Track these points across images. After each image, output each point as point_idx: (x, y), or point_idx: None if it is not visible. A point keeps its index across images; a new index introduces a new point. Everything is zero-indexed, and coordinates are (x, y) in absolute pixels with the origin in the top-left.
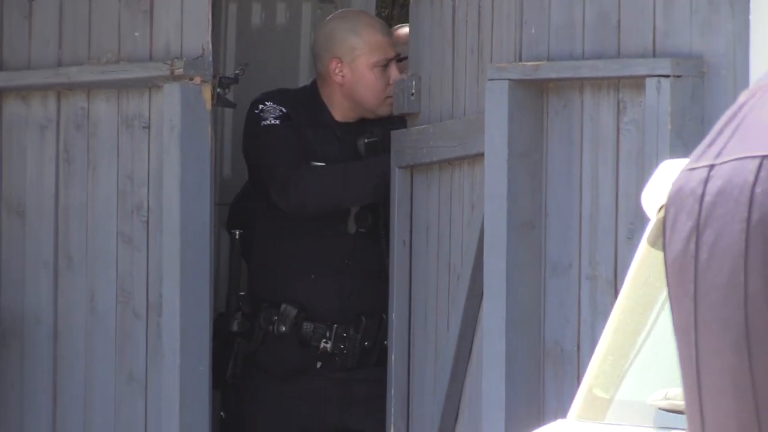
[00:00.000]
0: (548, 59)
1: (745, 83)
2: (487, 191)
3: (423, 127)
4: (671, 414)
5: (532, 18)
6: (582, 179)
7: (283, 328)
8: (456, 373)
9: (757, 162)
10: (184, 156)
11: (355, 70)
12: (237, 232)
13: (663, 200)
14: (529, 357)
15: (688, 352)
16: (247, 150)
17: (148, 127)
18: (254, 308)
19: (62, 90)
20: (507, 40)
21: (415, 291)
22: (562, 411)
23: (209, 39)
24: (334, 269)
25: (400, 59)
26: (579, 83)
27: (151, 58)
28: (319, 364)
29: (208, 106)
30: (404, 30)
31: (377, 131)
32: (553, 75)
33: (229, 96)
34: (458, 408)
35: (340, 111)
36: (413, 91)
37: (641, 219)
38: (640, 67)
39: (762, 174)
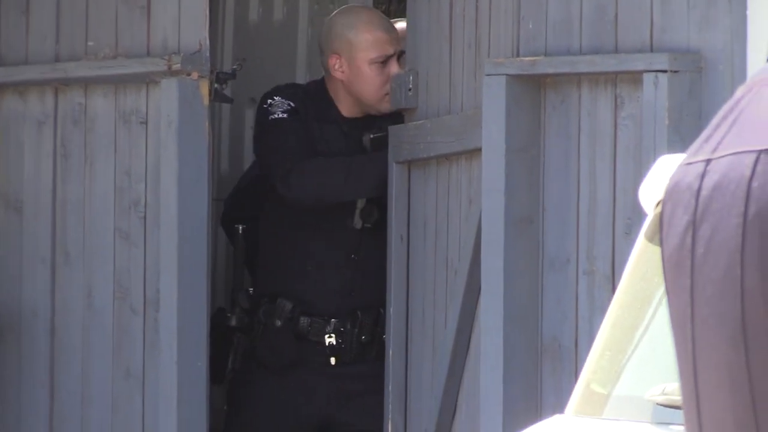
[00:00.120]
0: (545, 54)
1: (743, 78)
2: (484, 186)
3: (420, 122)
4: (669, 409)
5: (529, 13)
6: (579, 174)
7: (278, 323)
8: (453, 368)
9: (753, 156)
10: (181, 151)
11: (353, 66)
12: (240, 227)
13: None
14: (527, 352)
15: (685, 347)
16: (256, 144)
17: (146, 123)
18: (254, 303)
19: (59, 85)
20: (504, 35)
21: (413, 286)
22: (559, 406)
23: (206, 34)
24: (338, 264)
25: (401, 55)
26: (576, 78)
27: (148, 54)
28: (321, 360)
29: (206, 101)
30: (401, 25)
31: (384, 126)
32: (550, 70)
33: (227, 91)
34: (456, 403)
35: (346, 106)
36: (410, 86)
37: (639, 214)
38: (637, 63)
39: (758, 168)
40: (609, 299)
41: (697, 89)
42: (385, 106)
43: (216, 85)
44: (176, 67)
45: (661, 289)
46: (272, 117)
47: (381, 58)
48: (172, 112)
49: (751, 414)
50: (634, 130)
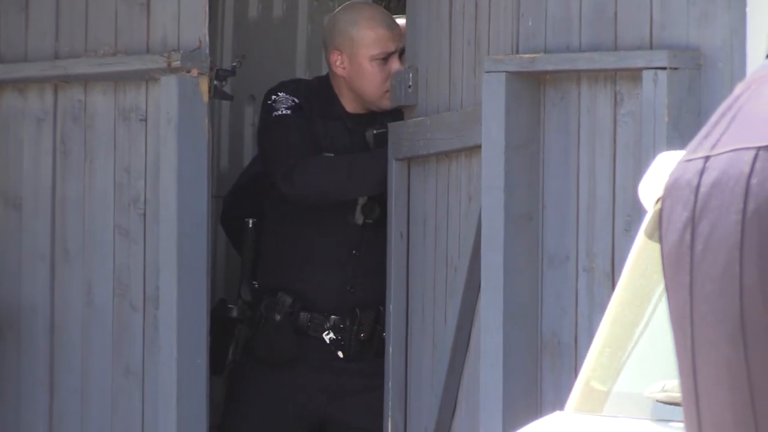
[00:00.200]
0: (545, 51)
1: (742, 75)
2: (484, 183)
3: (420, 119)
4: (669, 406)
5: (529, 10)
6: (579, 171)
7: (278, 317)
8: (453, 366)
9: (752, 153)
10: (181, 148)
11: (354, 63)
12: (250, 221)
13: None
14: (527, 349)
15: (684, 344)
16: (259, 139)
17: (145, 120)
18: (257, 296)
19: (59, 82)
20: (504, 32)
21: (413, 283)
22: (559, 403)
23: (206, 31)
24: (339, 260)
25: (403, 52)
26: (576, 75)
27: (148, 51)
28: (321, 356)
29: (205, 98)
30: (401, 22)
31: (387, 123)
32: (550, 67)
33: (226, 88)
34: (456, 400)
35: (349, 102)
36: (410, 83)
37: (638, 211)
38: (637, 60)
39: (757, 165)
40: (609, 296)
41: (697, 86)
42: (386, 103)
43: (215, 82)
44: (176, 64)
45: (661, 286)
46: (276, 113)
47: (382, 55)
48: (171, 109)
49: (750, 411)
50: (633, 127)
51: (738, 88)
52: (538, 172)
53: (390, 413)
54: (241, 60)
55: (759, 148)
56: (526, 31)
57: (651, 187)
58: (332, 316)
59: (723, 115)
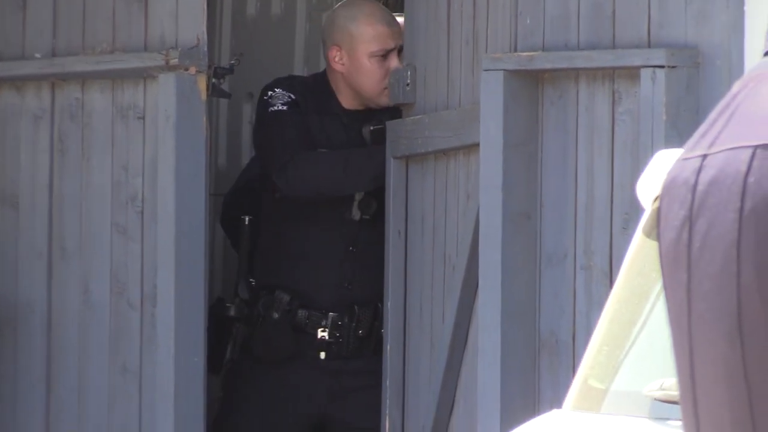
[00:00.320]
0: (543, 50)
1: (740, 73)
2: (482, 182)
3: (418, 117)
4: (667, 404)
5: (527, 8)
6: (577, 169)
7: (276, 315)
8: (451, 363)
9: (749, 152)
10: (179, 146)
11: (353, 59)
12: (247, 218)
13: (657, 190)
14: (525, 347)
15: (682, 342)
16: (255, 135)
17: (143, 118)
18: (254, 294)
19: (56, 80)
20: (502, 30)
21: (411, 281)
22: (557, 401)
23: (204, 29)
24: (336, 256)
25: (402, 50)
26: (574, 74)
27: (145, 49)
28: (318, 353)
29: (203, 96)
30: (400, 20)
31: (384, 119)
32: (548, 65)
33: (224, 86)
34: (454, 398)
35: (346, 98)
36: (408, 81)
37: (636, 209)
38: (635, 58)
39: (754, 163)
40: (606, 294)
41: (695, 84)
42: (384, 100)
43: (214, 80)
44: (174, 62)
45: (659, 285)
46: (272, 109)
47: (381, 52)
48: (169, 107)
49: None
50: (631, 126)
51: (735, 87)
52: (536, 171)
53: (388, 411)
54: (239, 58)
55: (756, 147)
56: (524, 30)
57: (649, 186)
58: (330, 313)
59: (720, 113)
